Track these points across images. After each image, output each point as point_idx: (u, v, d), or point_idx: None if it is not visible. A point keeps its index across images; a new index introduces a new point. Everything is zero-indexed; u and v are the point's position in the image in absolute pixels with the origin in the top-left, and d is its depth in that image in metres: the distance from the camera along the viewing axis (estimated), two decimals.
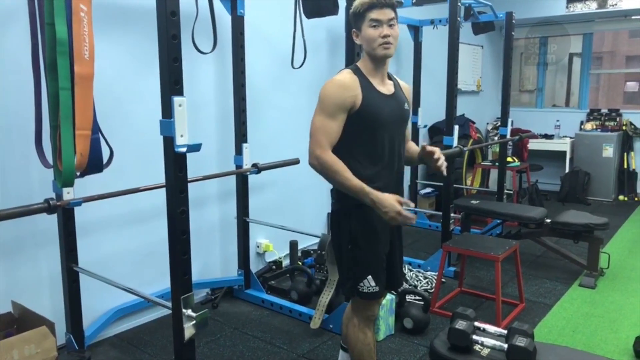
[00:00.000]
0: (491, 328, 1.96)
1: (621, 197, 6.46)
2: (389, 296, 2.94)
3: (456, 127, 3.69)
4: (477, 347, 1.85)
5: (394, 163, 2.05)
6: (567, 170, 6.47)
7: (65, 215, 2.46)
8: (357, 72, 1.98)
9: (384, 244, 2.05)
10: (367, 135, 1.94)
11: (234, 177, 3.35)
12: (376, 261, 2.02)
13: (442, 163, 1.98)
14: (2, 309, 2.42)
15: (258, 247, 3.81)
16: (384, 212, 1.83)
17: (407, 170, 5.37)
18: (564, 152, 6.55)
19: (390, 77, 2.09)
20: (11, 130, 2.42)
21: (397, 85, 2.09)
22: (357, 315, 2.10)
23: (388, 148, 1.99)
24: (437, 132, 5.59)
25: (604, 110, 6.67)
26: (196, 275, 3.29)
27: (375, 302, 2.09)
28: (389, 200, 1.83)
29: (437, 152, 1.98)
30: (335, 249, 2.09)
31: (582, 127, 6.70)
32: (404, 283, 3.63)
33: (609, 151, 6.32)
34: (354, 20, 1.97)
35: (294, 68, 3.19)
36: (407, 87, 2.18)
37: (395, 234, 2.13)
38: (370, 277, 1.99)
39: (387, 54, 1.94)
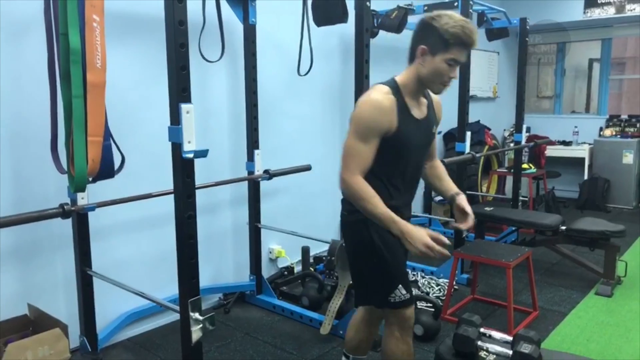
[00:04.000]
0: (497, 334, 1.95)
1: None
2: None
3: (468, 134, 3.68)
4: (482, 354, 1.84)
5: (411, 184, 2.02)
6: (585, 177, 6.37)
7: (80, 220, 2.52)
8: (396, 92, 1.83)
9: (403, 250, 1.97)
10: (392, 159, 1.87)
11: (246, 183, 3.39)
12: (403, 269, 1.98)
13: (468, 226, 1.95)
14: (18, 311, 2.48)
15: (270, 252, 3.83)
16: (411, 245, 1.73)
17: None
18: (583, 159, 6.45)
19: (425, 95, 1.98)
20: (29, 137, 2.51)
21: (430, 104, 1.99)
22: (395, 326, 2.00)
23: (409, 171, 1.94)
24: (452, 139, 5.56)
25: (624, 116, 6.56)
26: (209, 280, 3.35)
27: (410, 308, 2.00)
28: (418, 233, 1.72)
29: (469, 215, 1.95)
30: (355, 263, 2.02)
31: (601, 133, 6.60)
32: (417, 290, 3.62)
33: (629, 157, 6.21)
34: (435, 40, 1.77)
35: (300, 75, 3.22)
36: (438, 101, 2.07)
37: None
38: (400, 286, 1.92)
39: (441, 92, 1.89)
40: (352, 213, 1.93)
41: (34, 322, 2.47)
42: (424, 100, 1.94)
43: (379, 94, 1.80)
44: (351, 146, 1.79)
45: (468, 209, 1.97)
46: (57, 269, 2.69)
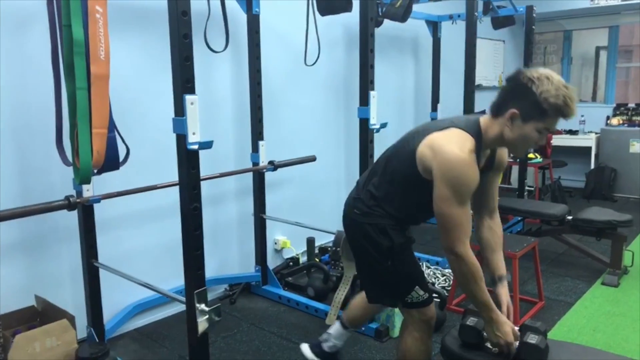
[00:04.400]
0: None
1: None
2: None
3: None
4: (488, 344, 1.83)
5: None
6: (592, 167, 6.33)
7: (85, 212, 2.52)
8: (478, 147, 1.68)
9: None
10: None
11: (251, 174, 3.39)
12: (419, 269, 1.97)
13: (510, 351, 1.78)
14: (26, 302, 2.50)
15: (276, 243, 3.84)
16: (494, 334, 1.74)
17: None
18: (589, 148, 6.41)
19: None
20: (34, 129, 2.51)
21: (491, 155, 1.86)
22: (414, 325, 1.95)
23: None
24: None
25: (631, 105, 6.50)
26: (214, 271, 3.36)
27: (430, 307, 1.95)
28: (508, 329, 1.73)
29: (505, 307, 1.90)
30: (366, 264, 1.98)
31: (608, 122, 6.55)
32: None
33: (636, 146, 6.16)
34: (529, 106, 1.60)
35: (307, 65, 3.21)
36: (504, 150, 1.91)
37: None
38: (417, 287, 1.90)
39: (522, 156, 1.80)
40: (367, 215, 1.90)
41: (42, 314, 2.49)
42: (487, 152, 1.82)
43: (468, 154, 1.64)
44: (456, 215, 1.64)
45: (504, 307, 1.89)
46: (64, 260, 2.70)
